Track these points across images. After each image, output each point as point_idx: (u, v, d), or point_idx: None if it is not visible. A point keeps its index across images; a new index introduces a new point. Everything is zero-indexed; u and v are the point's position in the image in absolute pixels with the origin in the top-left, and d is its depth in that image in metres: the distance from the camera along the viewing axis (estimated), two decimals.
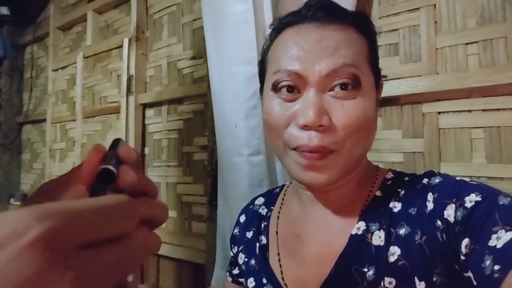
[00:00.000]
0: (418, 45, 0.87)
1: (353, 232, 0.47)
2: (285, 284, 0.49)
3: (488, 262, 0.37)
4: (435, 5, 0.85)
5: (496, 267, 0.36)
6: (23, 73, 2.28)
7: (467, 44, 0.81)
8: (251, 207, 0.63)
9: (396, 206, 0.47)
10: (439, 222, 0.42)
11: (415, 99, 0.86)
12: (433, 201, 0.43)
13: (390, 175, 0.52)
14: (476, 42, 0.79)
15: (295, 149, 0.44)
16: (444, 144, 0.83)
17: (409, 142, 0.87)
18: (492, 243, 0.37)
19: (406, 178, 0.50)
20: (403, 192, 0.48)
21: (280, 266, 0.51)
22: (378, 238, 0.46)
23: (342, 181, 0.48)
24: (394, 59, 0.90)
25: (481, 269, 0.37)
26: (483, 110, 0.78)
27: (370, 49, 0.47)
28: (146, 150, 1.54)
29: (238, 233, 0.62)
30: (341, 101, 0.43)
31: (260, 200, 0.63)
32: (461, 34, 0.81)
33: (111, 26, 1.78)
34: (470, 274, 0.39)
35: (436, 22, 0.85)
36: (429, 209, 0.44)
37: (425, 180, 0.47)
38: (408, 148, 0.87)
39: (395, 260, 0.43)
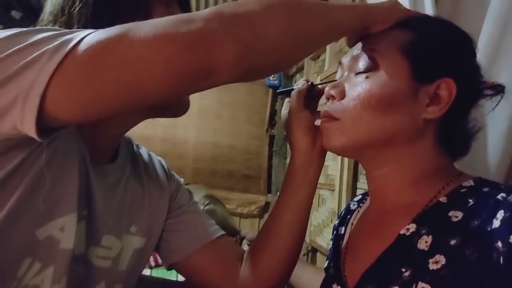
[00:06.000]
0: None
1: (402, 232, 0.46)
2: (343, 270, 0.54)
3: None
4: None
5: None
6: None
7: None
8: (350, 202, 0.69)
9: (457, 216, 0.42)
10: (499, 244, 0.37)
11: None
12: (501, 220, 0.38)
13: (469, 183, 0.45)
14: None
15: None
16: None
17: None
18: None
19: (486, 189, 0.43)
20: (472, 202, 0.42)
21: (345, 253, 0.56)
22: (424, 242, 0.43)
23: (386, 168, 0.50)
24: None
25: None
26: None
27: (412, 43, 0.48)
28: None
29: (336, 223, 0.68)
30: (356, 80, 0.50)
31: (358, 197, 0.67)
32: None
33: (343, 50, 2.03)
34: None
35: None
36: (493, 227, 0.38)
37: (501, 195, 0.40)
38: None
39: (437, 269, 0.40)
